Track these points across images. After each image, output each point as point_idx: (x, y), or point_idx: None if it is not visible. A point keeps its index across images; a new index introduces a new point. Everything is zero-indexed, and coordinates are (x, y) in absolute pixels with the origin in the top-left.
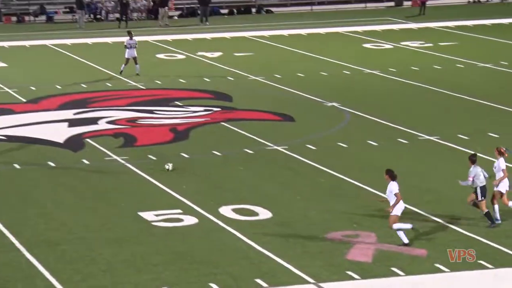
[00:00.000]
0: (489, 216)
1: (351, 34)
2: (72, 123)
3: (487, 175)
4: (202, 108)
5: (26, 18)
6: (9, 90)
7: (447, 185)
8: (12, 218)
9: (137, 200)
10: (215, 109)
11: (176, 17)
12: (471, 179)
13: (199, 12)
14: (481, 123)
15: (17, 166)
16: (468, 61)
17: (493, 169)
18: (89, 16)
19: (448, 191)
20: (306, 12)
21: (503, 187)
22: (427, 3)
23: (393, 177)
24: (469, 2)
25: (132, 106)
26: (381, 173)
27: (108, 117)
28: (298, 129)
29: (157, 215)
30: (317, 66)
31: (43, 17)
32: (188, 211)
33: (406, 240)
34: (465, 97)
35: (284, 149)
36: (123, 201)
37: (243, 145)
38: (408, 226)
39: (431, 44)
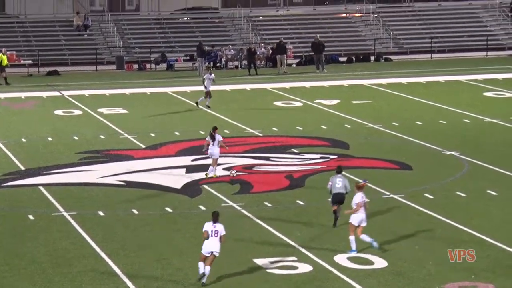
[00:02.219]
0: (335, 218)
1: (471, 83)
2: (190, 169)
3: (348, 189)
4: (318, 156)
5: (148, 65)
6: (129, 136)
7: None
8: (129, 263)
9: (252, 246)
10: (331, 156)
11: (294, 65)
12: (330, 183)
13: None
14: None
15: (135, 211)
16: None
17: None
18: (209, 63)
19: None
20: (425, 60)
21: (354, 220)
22: None
23: (215, 219)
24: None
25: (248, 153)
26: (502, 223)
27: (224, 164)
28: (415, 178)
29: (272, 262)
30: (436, 114)
31: (164, 65)
32: (303, 258)
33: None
34: None
35: (401, 197)
36: (238, 247)
37: None
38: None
39: None
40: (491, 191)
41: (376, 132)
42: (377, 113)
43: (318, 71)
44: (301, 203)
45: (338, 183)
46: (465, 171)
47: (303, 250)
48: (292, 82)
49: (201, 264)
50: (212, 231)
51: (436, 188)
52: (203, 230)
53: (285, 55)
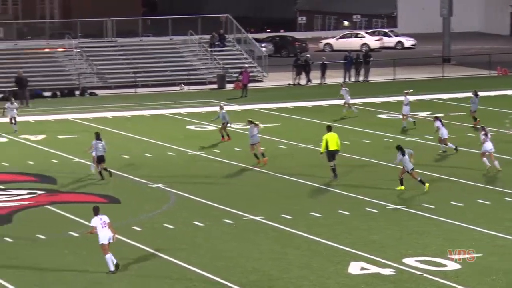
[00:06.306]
0: (101, 175)
1: (175, 116)
2: None
3: (106, 150)
4: (25, 191)
5: None
6: None
7: (271, 265)
8: None
9: None
10: (39, 192)
11: None
12: (94, 148)
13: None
14: (305, 203)
15: None
16: (289, 142)
17: None
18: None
19: (272, 271)
20: (130, 95)
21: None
22: (249, 85)
23: (96, 212)
24: (289, 84)
25: None
26: (209, 254)
27: None
28: (123, 211)
29: None
30: (142, 148)
31: None
32: None
33: (112, 268)
34: (287, 177)
35: None
36: None
37: (68, 228)
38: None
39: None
40: (197, 222)
41: (83, 166)
42: (83, 147)
43: (22, 106)
44: (9, 240)
45: (100, 147)
46: (172, 203)
47: None
48: None
49: (108, 256)
50: (101, 223)
51: (144, 220)
52: (92, 225)
53: None
